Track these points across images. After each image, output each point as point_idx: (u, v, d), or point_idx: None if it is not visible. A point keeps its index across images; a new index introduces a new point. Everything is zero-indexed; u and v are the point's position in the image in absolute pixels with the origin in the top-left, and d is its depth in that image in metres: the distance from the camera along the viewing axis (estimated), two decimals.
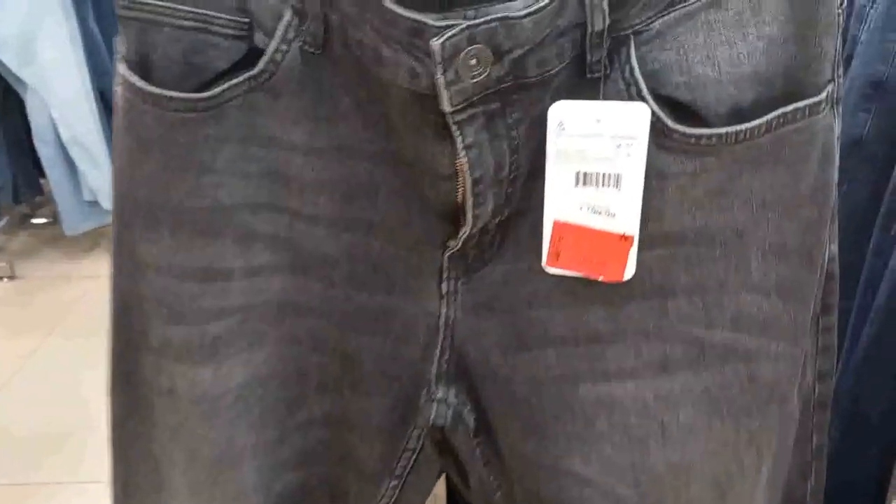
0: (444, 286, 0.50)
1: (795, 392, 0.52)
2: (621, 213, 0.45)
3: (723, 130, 0.44)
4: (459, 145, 0.44)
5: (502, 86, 0.43)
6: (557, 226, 0.46)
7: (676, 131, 0.44)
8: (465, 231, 0.47)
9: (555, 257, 0.47)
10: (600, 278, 0.47)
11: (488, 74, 0.42)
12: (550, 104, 0.44)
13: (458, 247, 0.48)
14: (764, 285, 0.48)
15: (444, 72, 0.42)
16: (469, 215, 0.46)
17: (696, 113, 0.45)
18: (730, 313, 0.48)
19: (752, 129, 0.44)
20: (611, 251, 0.46)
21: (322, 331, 0.52)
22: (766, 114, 0.44)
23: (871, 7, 0.74)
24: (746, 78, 0.44)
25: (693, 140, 0.44)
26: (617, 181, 0.45)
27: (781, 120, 0.45)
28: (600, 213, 0.45)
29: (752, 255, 0.47)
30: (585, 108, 0.44)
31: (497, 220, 0.48)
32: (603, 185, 0.45)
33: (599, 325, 0.48)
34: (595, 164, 0.44)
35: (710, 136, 0.44)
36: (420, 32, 0.41)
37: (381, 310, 0.51)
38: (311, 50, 0.46)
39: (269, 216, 0.50)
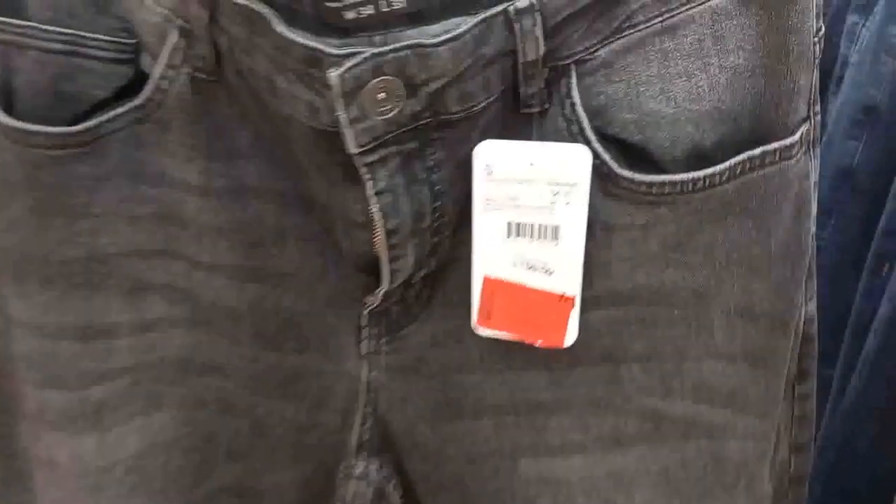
0: (364, 346, 0.44)
1: (766, 470, 0.45)
2: (560, 270, 0.39)
3: (679, 177, 0.38)
4: (370, 191, 0.38)
5: (419, 123, 0.37)
6: (488, 282, 0.40)
7: (624, 178, 0.38)
8: (382, 287, 0.41)
9: (486, 317, 0.41)
10: (538, 343, 0.40)
11: (401, 110, 0.36)
12: (478, 142, 0.38)
13: (377, 303, 0.42)
14: (729, 351, 0.42)
15: (347, 108, 0.35)
16: (386, 270, 0.40)
17: (649, 156, 0.38)
18: (690, 382, 0.42)
19: (713, 175, 0.38)
20: (549, 313, 0.40)
21: (231, 392, 0.46)
22: (729, 158, 0.38)
23: (863, 25, 0.68)
24: (707, 115, 0.38)
25: (644, 188, 0.38)
26: (555, 234, 0.38)
27: (748, 165, 0.38)
28: (536, 269, 0.39)
29: (715, 317, 0.41)
30: (517, 149, 0.38)
31: (423, 273, 0.41)
32: (539, 237, 0.39)
33: (541, 394, 0.43)
34: (529, 214, 0.38)
35: (663, 184, 0.38)
36: (317, 62, 0.35)
37: (293, 371, 0.45)
38: (203, 77, 0.40)
39: (163, 264, 0.44)
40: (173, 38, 0.39)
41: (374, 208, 0.38)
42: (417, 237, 0.40)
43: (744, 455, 0.44)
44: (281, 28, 0.35)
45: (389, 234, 0.39)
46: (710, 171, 0.38)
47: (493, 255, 0.39)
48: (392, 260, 0.40)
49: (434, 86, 0.36)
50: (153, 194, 0.42)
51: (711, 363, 0.42)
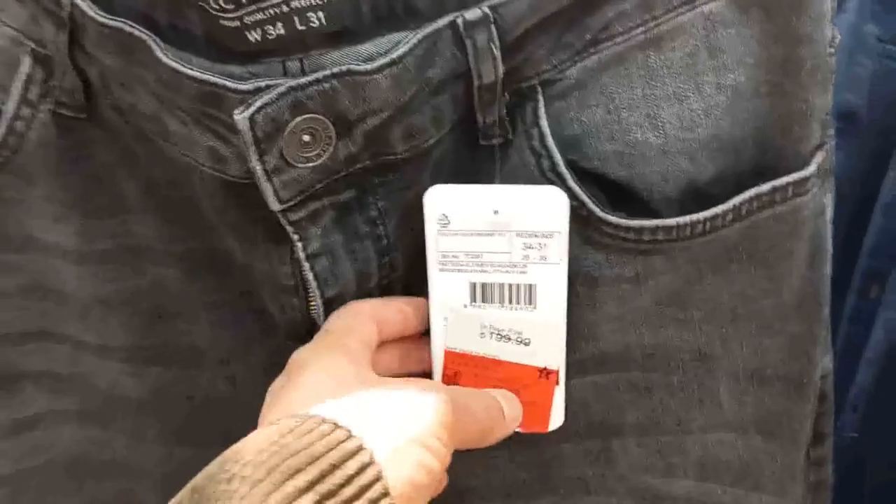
0: None
1: None
2: (539, 339, 0.32)
3: (674, 222, 0.31)
4: (300, 255, 0.30)
5: (356, 167, 0.29)
6: (451, 356, 0.32)
7: (608, 223, 0.31)
8: None
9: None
10: (520, 429, 0.33)
11: (332, 155, 0.29)
12: (431, 185, 0.30)
13: None
14: (739, 421, 0.36)
15: (262, 157, 0.28)
16: None
17: (635, 195, 0.31)
18: (694, 458, 0.35)
19: (714, 217, 0.31)
20: (528, 392, 0.32)
21: (139, 499, 0.38)
22: (732, 195, 0.32)
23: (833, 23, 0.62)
24: (703, 145, 0.31)
25: (633, 235, 0.31)
26: (529, 296, 0.31)
27: (755, 204, 0.32)
28: (509, 339, 0.32)
29: (721, 382, 0.34)
30: (477, 194, 0.30)
31: None
32: (510, 301, 0.31)
33: (523, 474, 0.36)
34: (497, 274, 0.31)
35: (655, 229, 0.31)
36: (216, 99, 0.27)
37: None
38: (70, 114, 0.31)
39: (39, 348, 0.36)
40: (26, 66, 0.31)
41: (309, 276, 0.30)
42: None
43: None
44: (165, 58, 0.27)
45: (329, 303, 0.31)
46: (710, 212, 0.31)
47: (455, 324, 0.32)
48: None
49: (372, 122, 0.29)
50: (20, 262, 0.34)
51: (718, 435, 0.35)
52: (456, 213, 0.31)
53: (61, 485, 0.38)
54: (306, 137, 0.28)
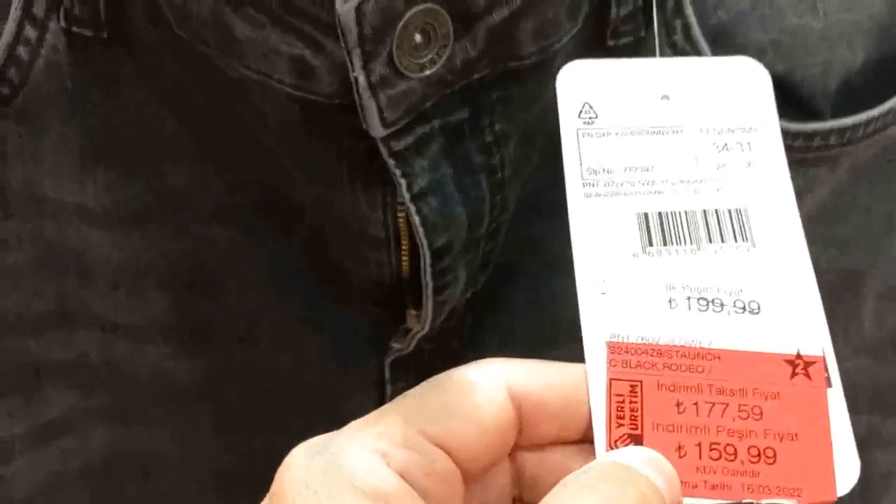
0: None
1: None
2: (774, 300, 0.20)
3: (849, 121, 0.26)
4: (405, 195, 0.24)
5: (472, 78, 0.23)
6: (617, 359, 0.19)
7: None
8: (420, 329, 0.28)
9: (623, 438, 0.19)
10: (791, 502, 0.19)
11: (448, 61, 0.22)
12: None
13: (408, 349, 0.29)
14: (876, 342, 0.33)
15: (367, 63, 0.21)
16: (429, 304, 0.27)
17: (794, 93, 0.27)
18: None
19: (886, 114, 0.27)
20: (781, 412, 0.19)
21: (192, 493, 0.32)
22: (887, 90, 0.27)
23: None
24: (864, 29, 0.26)
25: (801, 142, 0.26)
26: (741, 227, 0.21)
27: None
28: (721, 306, 0.20)
29: (864, 303, 0.31)
30: (635, 72, 0.22)
31: (469, 293, 0.28)
32: (710, 240, 0.21)
33: None
34: (680, 196, 0.21)
35: (828, 133, 0.26)
36: None
37: (286, 453, 0.31)
38: (89, 33, 0.24)
39: (61, 335, 0.29)
40: None
41: (415, 220, 0.24)
42: (471, 251, 0.27)
43: (890, 465, 0.34)
44: None
45: (437, 255, 0.25)
46: (885, 107, 0.27)
47: (620, 291, 0.20)
48: (438, 290, 0.26)
49: (499, 15, 0.23)
50: (29, 231, 0.27)
51: (857, 360, 0.32)
52: (606, 104, 0.22)
53: (100, 491, 0.31)
54: (418, 38, 0.22)
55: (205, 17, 0.22)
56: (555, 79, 0.24)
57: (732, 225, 0.21)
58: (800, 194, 0.27)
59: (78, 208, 0.27)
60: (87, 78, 0.25)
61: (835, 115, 0.27)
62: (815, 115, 0.27)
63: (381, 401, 0.31)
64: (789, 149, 0.26)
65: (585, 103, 0.22)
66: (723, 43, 0.26)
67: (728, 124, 0.22)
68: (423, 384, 0.19)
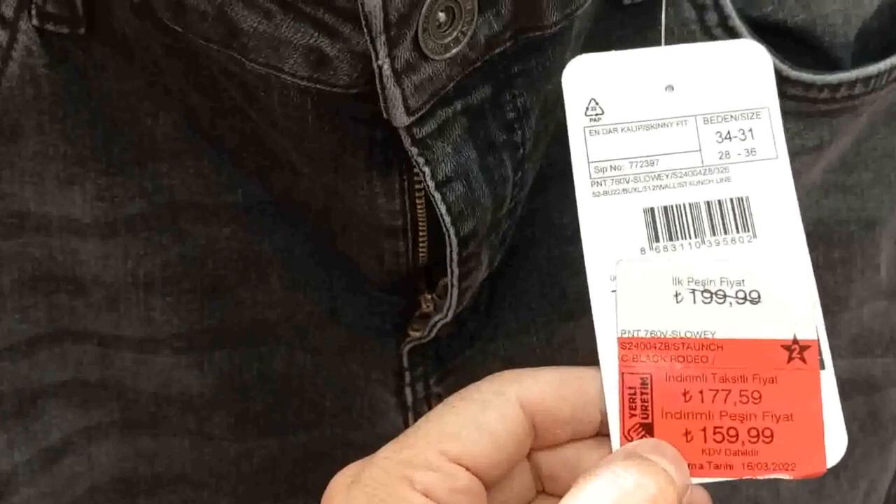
0: (408, 395, 0.30)
1: None
2: (773, 289, 0.21)
3: (874, 69, 0.26)
4: (429, 183, 0.23)
5: (494, 53, 0.22)
6: (628, 353, 0.21)
7: (800, 82, 0.25)
8: (441, 317, 0.27)
9: (637, 430, 0.21)
10: (786, 476, 0.21)
11: (472, 38, 0.21)
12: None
13: (428, 336, 0.28)
14: (893, 286, 0.32)
15: (392, 49, 0.19)
16: (454, 291, 0.25)
17: (814, 42, 0.26)
18: (849, 337, 0.32)
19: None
20: (777, 394, 0.20)
21: (210, 502, 0.31)
22: None
23: None
24: None
25: (826, 93, 0.26)
26: (743, 218, 0.22)
27: None
28: (724, 298, 0.21)
29: (882, 248, 0.31)
30: (638, 64, 0.22)
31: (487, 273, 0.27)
32: (714, 232, 0.22)
33: None
34: (685, 188, 0.22)
35: (853, 83, 0.26)
36: None
37: (304, 455, 0.31)
38: (65, 30, 0.21)
39: (55, 354, 0.27)
40: None
41: (441, 209, 0.23)
42: (492, 233, 0.25)
43: None
44: None
45: (463, 242, 0.24)
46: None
47: (629, 286, 0.21)
48: (463, 277, 0.25)
49: None
50: (10, 250, 0.25)
51: (874, 305, 0.32)
52: (612, 98, 0.22)
53: None
54: (442, 16, 0.20)
55: (205, 10, 0.20)
56: (569, 50, 0.23)
57: (735, 215, 0.22)
58: (822, 146, 0.27)
59: (66, 220, 0.24)
60: (67, 79, 0.22)
61: (855, 65, 0.26)
62: (836, 65, 0.26)
63: (400, 390, 0.30)
64: (814, 101, 0.26)
65: (591, 99, 0.22)
66: None
67: (731, 111, 0.22)
68: (440, 407, 0.21)
